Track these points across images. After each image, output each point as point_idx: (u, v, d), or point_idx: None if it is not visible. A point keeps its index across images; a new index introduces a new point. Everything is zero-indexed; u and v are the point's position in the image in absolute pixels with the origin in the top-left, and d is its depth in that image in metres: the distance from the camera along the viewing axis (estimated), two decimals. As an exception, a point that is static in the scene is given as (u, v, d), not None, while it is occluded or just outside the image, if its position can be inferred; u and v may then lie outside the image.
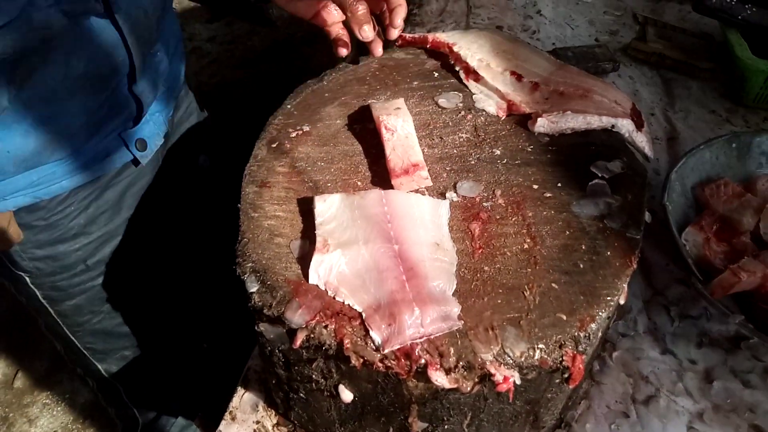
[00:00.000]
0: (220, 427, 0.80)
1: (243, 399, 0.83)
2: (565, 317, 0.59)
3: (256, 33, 3.08)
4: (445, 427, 0.65)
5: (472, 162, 0.75)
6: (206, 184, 1.13)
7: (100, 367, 1.13)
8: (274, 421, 0.80)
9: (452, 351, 0.57)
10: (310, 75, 0.89)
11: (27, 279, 0.96)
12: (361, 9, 0.81)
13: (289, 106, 0.84)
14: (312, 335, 0.59)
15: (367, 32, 0.81)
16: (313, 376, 0.66)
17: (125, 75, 0.85)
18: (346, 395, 0.65)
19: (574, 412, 0.80)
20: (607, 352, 0.86)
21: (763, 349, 0.86)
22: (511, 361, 0.57)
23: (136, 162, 0.95)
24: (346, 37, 0.84)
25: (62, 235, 0.91)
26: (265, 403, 0.82)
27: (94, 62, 0.79)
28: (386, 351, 0.57)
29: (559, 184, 0.72)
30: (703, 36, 1.33)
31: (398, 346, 0.57)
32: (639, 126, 0.81)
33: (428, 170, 0.74)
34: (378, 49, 0.88)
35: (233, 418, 0.81)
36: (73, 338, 1.06)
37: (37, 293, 0.98)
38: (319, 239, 0.65)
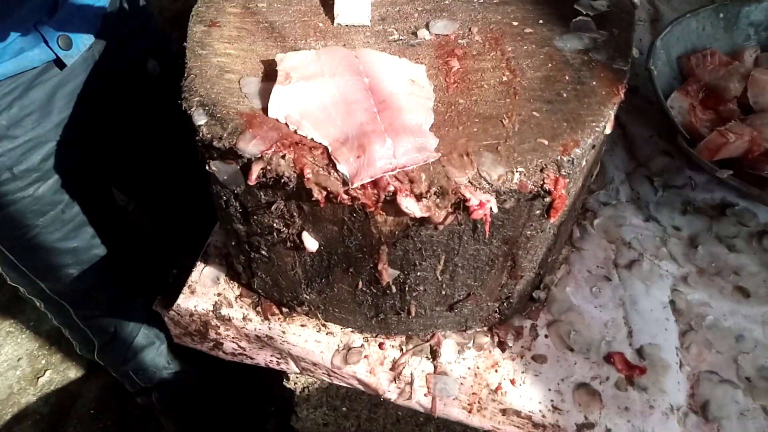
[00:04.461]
0: (178, 301, 0.75)
1: (203, 273, 0.77)
2: (546, 142, 0.54)
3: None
4: (418, 274, 0.61)
5: (447, 2, 0.69)
6: (156, 93, 1.02)
7: (42, 285, 1.02)
8: (237, 293, 0.75)
9: (423, 177, 0.52)
10: None
11: None
12: None
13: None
14: (269, 167, 0.53)
15: None
16: (274, 225, 0.60)
17: None
18: (311, 243, 0.59)
19: (554, 276, 0.76)
20: (587, 220, 0.82)
21: (748, 214, 0.83)
22: (488, 185, 0.51)
23: (60, 63, 0.83)
24: None
25: None
26: (227, 276, 0.77)
27: None
28: (356, 185, 0.52)
29: (541, 21, 0.66)
30: None
31: (369, 179, 0.52)
32: (625, -30, 0.74)
33: (398, 11, 0.68)
34: None
35: (192, 292, 0.76)
36: (8, 254, 0.95)
37: None
38: (280, 73, 0.58)
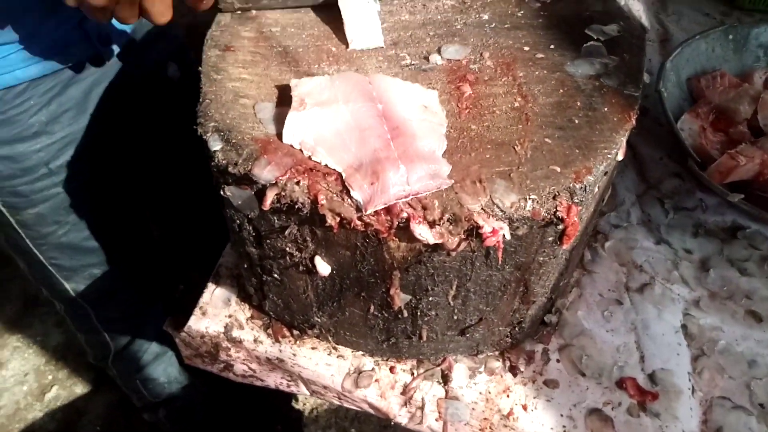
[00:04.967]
0: (190, 323, 0.75)
1: (214, 294, 0.77)
2: (559, 169, 0.54)
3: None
4: (430, 299, 0.61)
5: (458, 27, 0.69)
6: (176, 98, 1.05)
7: (67, 286, 1.04)
8: (248, 315, 0.75)
9: (437, 204, 0.52)
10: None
11: None
12: None
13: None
14: (283, 193, 0.53)
15: None
16: (287, 249, 0.60)
17: None
18: (323, 267, 0.60)
19: (565, 300, 0.76)
20: (599, 243, 0.82)
21: (760, 237, 0.83)
22: (501, 213, 0.51)
23: (99, 59, 0.86)
24: None
25: (21, 133, 0.83)
26: (239, 298, 0.77)
27: None
28: (369, 211, 0.52)
29: (552, 46, 0.66)
30: (697, -63, 1.27)
31: (382, 206, 0.52)
32: (636, -6, 0.75)
33: (410, 35, 0.69)
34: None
35: (204, 314, 0.76)
36: (36, 252, 0.97)
37: None
38: (295, 99, 0.59)
